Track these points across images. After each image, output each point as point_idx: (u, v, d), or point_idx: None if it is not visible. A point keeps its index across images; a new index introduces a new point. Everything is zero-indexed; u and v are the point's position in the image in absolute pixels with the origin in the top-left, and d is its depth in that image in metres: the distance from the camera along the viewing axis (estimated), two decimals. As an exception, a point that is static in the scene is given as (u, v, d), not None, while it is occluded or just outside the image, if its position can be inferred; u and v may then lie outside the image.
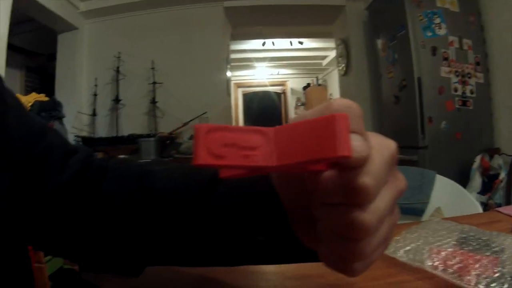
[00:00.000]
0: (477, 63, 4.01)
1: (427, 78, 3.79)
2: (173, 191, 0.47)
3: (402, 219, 1.28)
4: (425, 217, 1.87)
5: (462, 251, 0.62)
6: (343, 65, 5.45)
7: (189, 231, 0.45)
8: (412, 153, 3.83)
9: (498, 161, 3.72)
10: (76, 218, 0.48)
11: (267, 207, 0.41)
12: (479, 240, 0.66)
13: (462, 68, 3.94)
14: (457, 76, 3.91)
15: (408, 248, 0.65)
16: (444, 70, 3.85)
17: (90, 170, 0.51)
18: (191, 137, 4.27)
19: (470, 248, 0.63)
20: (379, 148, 0.32)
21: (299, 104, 10.67)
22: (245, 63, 8.81)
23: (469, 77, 3.96)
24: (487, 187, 3.62)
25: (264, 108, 13.22)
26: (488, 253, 0.61)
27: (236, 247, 0.44)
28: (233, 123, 9.03)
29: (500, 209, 1.16)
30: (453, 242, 0.66)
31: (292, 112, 10.67)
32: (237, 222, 0.43)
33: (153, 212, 0.46)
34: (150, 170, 0.51)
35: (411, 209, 1.92)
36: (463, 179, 3.73)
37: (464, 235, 0.69)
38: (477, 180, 3.66)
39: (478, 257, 0.59)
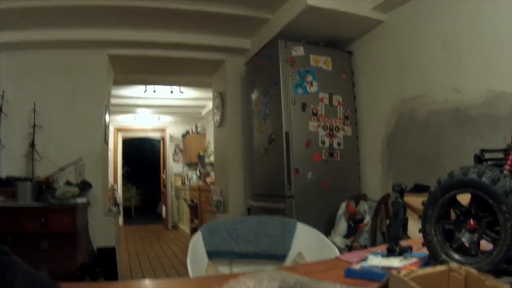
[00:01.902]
0: (346, 117, 4.37)
1: (295, 132, 4.02)
2: None
3: (265, 263, 1.40)
4: (288, 262, 2.00)
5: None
6: (218, 117, 5.59)
7: None
8: (279, 202, 3.98)
9: (363, 206, 4.01)
10: None
11: None
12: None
13: (331, 122, 4.25)
14: (325, 129, 4.20)
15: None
16: (312, 125, 4.11)
17: None
18: (67, 182, 4.16)
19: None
20: None
21: (177, 151, 10.67)
22: (126, 109, 8.71)
23: (337, 130, 4.28)
24: (352, 231, 3.87)
25: (144, 153, 13.07)
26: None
27: None
28: (111, 168, 8.80)
29: (340, 256, 1.31)
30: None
31: (171, 159, 10.62)
32: None
33: None
34: None
35: (274, 255, 2.04)
36: (329, 224, 3.97)
37: (282, 285, 0.79)
38: (342, 225, 3.89)
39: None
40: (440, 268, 0.72)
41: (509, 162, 1.01)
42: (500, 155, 1.05)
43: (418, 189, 3.20)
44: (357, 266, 1.06)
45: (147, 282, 1.00)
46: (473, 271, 0.66)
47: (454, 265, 0.72)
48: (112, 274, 4.30)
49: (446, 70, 3.37)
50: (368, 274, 1.01)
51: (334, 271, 1.09)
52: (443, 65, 3.40)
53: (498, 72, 2.92)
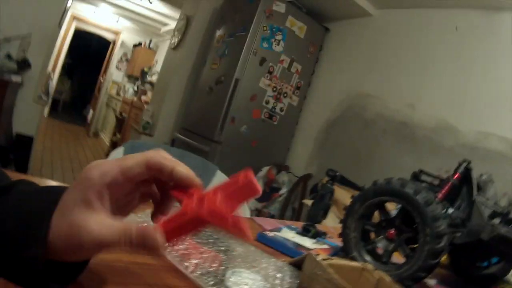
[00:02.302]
0: (298, 87, 4.37)
1: (245, 82, 3.97)
2: None
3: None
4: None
5: (192, 241, 0.68)
6: (177, 39, 5.42)
7: None
8: (206, 144, 3.97)
9: (283, 177, 4.06)
10: None
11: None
12: (211, 237, 0.73)
13: (282, 86, 4.23)
14: (274, 91, 4.18)
15: (145, 225, 0.69)
16: (263, 82, 4.08)
17: None
18: (7, 55, 3.86)
19: (199, 240, 0.70)
20: None
21: (123, 59, 10.31)
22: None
23: (285, 96, 4.28)
24: (266, 197, 3.91)
25: (90, 51, 12.54)
26: (213, 249, 0.68)
27: None
28: (54, 55, 8.37)
29: (255, 218, 1.29)
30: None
31: (115, 65, 10.25)
32: None
33: None
34: None
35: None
36: (246, 183, 3.98)
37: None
38: (258, 188, 3.91)
39: (202, 249, 0.66)
40: (355, 264, 0.71)
41: (443, 191, 1.02)
42: (435, 181, 1.07)
43: (342, 181, 3.25)
44: (270, 234, 1.04)
45: (53, 183, 0.91)
46: (387, 277, 0.65)
47: (369, 266, 0.70)
48: (23, 165, 4.13)
49: (410, 86, 3.43)
50: (279, 245, 0.99)
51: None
52: (409, 80, 3.46)
53: (455, 108, 3.03)
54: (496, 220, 0.98)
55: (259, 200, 3.89)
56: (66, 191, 0.45)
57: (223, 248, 0.70)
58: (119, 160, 0.46)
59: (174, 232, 0.44)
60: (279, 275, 0.67)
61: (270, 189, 3.99)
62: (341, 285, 0.54)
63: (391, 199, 0.96)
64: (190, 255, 0.64)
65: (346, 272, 0.57)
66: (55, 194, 0.45)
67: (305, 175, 3.98)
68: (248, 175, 0.43)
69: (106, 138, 9.19)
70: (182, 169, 0.48)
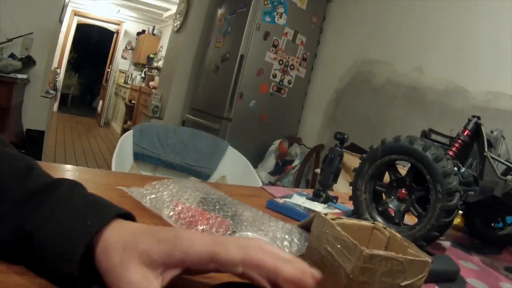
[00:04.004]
0: (304, 59, 4.35)
1: (250, 58, 3.97)
2: None
3: (187, 178, 1.31)
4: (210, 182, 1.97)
5: (198, 208, 0.68)
6: (179, 22, 5.40)
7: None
8: (216, 122, 3.99)
9: (296, 149, 4.06)
10: None
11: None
12: (218, 204, 0.73)
13: (288, 59, 4.22)
14: (281, 64, 4.17)
15: (153, 196, 0.70)
16: (269, 56, 4.07)
17: None
18: (11, 55, 3.90)
19: (206, 207, 0.70)
20: None
21: (128, 48, 10.31)
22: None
23: (292, 69, 4.27)
24: (279, 170, 3.92)
25: (95, 43, 12.54)
26: (219, 215, 0.68)
27: None
28: (58, 51, 8.37)
29: (266, 187, 1.28)
30: (195, 201, 0.72)
31: (120, 54, 10.25)
32: None
33: None
34: None
35: (198, 172, 2.00)
36: (259, 157, 4.01)
37: (205, 196, 0.75)
38: (271, 161, 3.95)
39: (209, 215, 0.66)
40: (365, 222, 0.70)
41: (453, 149, 1.00)
42: (446, 140, 1.06)
43: (353, 148, 3.24)
44: (280, 200, 1.03)
45: (68, 167, 0.92)
46: (398, 235, 0.64)
47: (379, 224, 0.69)
48: (36, 159, 4.14)
49: (417, 49, 3.37)
50: (289, 211, 0.98)
51: (256, 199, 1.06)
52: (416, 43, 3.40)
53: (464, 69, 2.97)
54: (509, 177, 0.95)
55: (272, 173, 3.90)
56: (141, 228, 0.43)
57: (230, 214, 0.70)
58: (214, 247, 0.40)
59: None
60: (287, 237, 0.66)
61: (283, 162, 3.99)
62: (350, 242, 0.53)
63: (400, 157, 0.94)
64: (197, 222, 0.64)
65: (356, 231, 0.56)
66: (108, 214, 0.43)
67: (317, 146, 3.97)
68: None
69: (117, 126, 9.24)
70: (288, 270, 0.40)
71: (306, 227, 0.72)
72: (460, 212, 1.13)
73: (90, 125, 9.95)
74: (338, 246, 0.55)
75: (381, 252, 0.51)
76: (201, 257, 0.39)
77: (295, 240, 0.67)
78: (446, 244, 1.05)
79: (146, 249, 0.39)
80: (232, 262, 0.39)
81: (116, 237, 0.41)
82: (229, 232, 0.64)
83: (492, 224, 1.14)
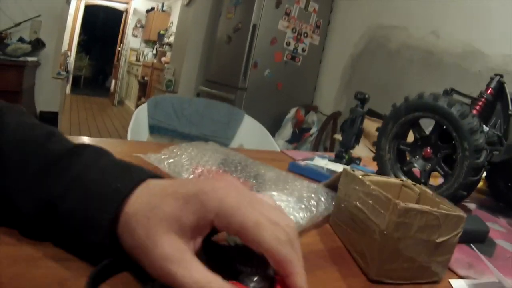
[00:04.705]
0: (317, 26, 4.29)
1: (263, 27, 3.91)
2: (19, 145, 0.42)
3: None
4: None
5: (219, 170, 0.66)
6: (189, -5, 5.36)
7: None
8: (231, 92, 3.97)
9: (312, 117, 4.04)
10: None
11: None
12: (239, 165, 0.70)
13: (301, 26, 4.15)
14: (294, 32, 4.12)
15: (171, 160, 0.67)
16: (282, 24, 4.01)
17: None
18: (19, 39, 3.85)
19: (227, 169, 0.67)
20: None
21: (138, 26, 10.26)
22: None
23: (305, 37, 4.22)
24: (297, 138, 3.91)
25: (104, 24, 12.50)
26: (241, 176, 0.65)
27: None
28: (68, 34, 8.35)
29: (286, 151, 1.26)
30: (216, 163, 0.69)
31: (130, 33, 10.21)
32: None
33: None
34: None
35: (215, 142, 1.98)
36: (275, 126, 4.00)
37: (226, 158, 0.73)
38: (288, 130, 3.94)
39: (231, 177, 0.63)
40: (393, 179, 0.67)
41: (477, 107, 0.97)
42: (467, 100, 1.02)
43: (371, 114, 3.19)
44: (302, 163, 1.00)
45: (84, 138, 0.90)
46: (429, 191, 0.61)
47: (408, 181, 0.66)
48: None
49: (433, 12, 3.29)
50: (312, 172, 0.95)
51: (277, 163, 1.03)
52: (431, 6, 3.31)
53: (482, 32, 2.89)
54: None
55: (290, 141, 3.89)
56: (163, 186, 0.39)
57: (252, 174, 0.67)
58: (249, 209, 0.35)
59: None
60: (314, 196, 0.64)
61: (300, 130, 3.98)
62: (383, 196, 0.50)
63: (424, 115, 0.91)
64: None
65: (385, 188, 0.53)
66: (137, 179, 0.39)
67: (334, 112, 3.94)
68: None
69: (131, 104, 9.26)
70: (301, 282, 0.35)
71: (332, 186, 0.69)
72: (484, 174, 1.10)
73: (104, 105, 9.97)
74: (370, 201, 0.53)
75: (416, 206, 0.48)
76: (236, 225, 0.35)
77: (322, 199, 0.65)
78: (472, 206, 1.02)
79: (174, 213, 0.35)
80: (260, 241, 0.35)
81: (137, 205, 0.37)
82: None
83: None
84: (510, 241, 0.80)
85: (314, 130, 3.93)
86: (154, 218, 0.35)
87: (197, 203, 0.35)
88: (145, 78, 7.93)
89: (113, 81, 10.62)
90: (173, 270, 0.33)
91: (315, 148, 3.80)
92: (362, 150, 2.60)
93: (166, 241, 0.34)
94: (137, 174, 0.40)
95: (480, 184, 1.19)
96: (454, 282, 0.54)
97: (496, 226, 0.90)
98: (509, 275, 0.61)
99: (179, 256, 0.33)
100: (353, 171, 0.61)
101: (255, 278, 0.34)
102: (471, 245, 0.67)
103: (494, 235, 0.79)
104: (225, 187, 0.37)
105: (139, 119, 1.80)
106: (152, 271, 0.34)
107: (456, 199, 0.83)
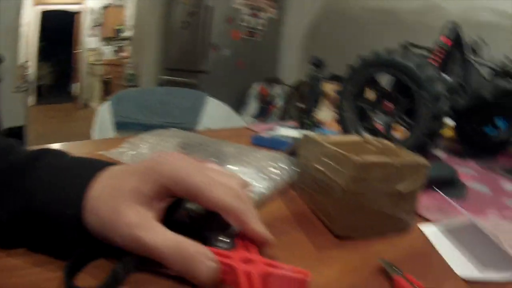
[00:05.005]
0: (274, 0, 4.26)
1: (218, 7, 3.87)
2: None
3: None
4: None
5: (179, 152, 0.65)
6: (141, -14, 5.28)
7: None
8: (192, 77, 3.95)
9: (277, 90, 4.04)
10: None
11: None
12: (200, 146, 0.69)
13: (256, 2, 4.12)
14: (251, 9, 4.09)
15: (132, 152, 0.66)
16: (236, 1, 3.98)
17: None
18: None
19: (187, 151, 0.67)
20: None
21: (96, 25, 10.05)
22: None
23: (262, 11, 4.19)
24: (263, 113, 3.92)
25: (61, 29, 12.22)
26: (201, 156, 0.65)
27: None
28: (24, 44, 8.13)
29: (250, 125, 1.25)
30: (176, 147, 0.69)
31: (87, 33, 10.00)
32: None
33: None
34: None
35: (181, 129, 1.96)
36: (241, 106, 3.99)
37: (185, 141, 0.72)
38: (253, 106, 3.95)
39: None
40: (354, 137, 0.67)
41: (436, 58, 1.00)
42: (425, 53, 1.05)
43: (335, 78, 3.21)
44: (265, 134, 1.00)
45: (51, 146, 0.88)
46: (390, 143, 0.61)
47: (367, 136, 0.66)
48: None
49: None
50: (276, 142, 0.94)
51: (241, 138, 1.03)
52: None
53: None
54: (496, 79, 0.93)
55: (256, 116, 3.90)
56: (121, 169, 0.41)
57: (213, 152, 0.67)
58: (199, 173, 0.39)
59: None
60: (275, 164, 0.64)
61: (266, 104, 3.98)
62: (340, 154, 0.50)
63: (380, 70, 0.92)
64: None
65: (346, 147, 0.53)
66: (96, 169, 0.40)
67: (298, 82, 3.95)
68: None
69: (96, 105, 9.11)
70: (258, 227, 0.39)
71: (294, 153, 0.69)
72: (452, 124, 1.12)
73: (69, 110, 9.77)
74: (329, 162, 0.52)
75: (374, 158, 0.48)
76: (188, 187, 0.38)
77: (285, 167, 0.65)
78: (442, 155, 1.04)
79: (134, 186, 0.37)
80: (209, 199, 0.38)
81: (101, 187, 0.38)
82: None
83: (483, 129, 1.12)
84: (482, 183, 0.82)
85: (279, 103, 3.94)
86: (116, 195, 0.37)
87: (154, 173, 0.38)
88: (107, 76, 7.84)
89: (76, 85, 10.45)
90: (142, 235, 0.35)
91: (281, 120, 3.82)
92: (328, 114, 2.61)
93: (130, 210, 0.36)
94: (97, 164, 0.42)
95: (450, 132, 1.21)
96: (424, 227, 0.55)
97: (467, 169, 0.93)
98: (481, 215, 0.62)
99: (145, 222, 0.36)
100: (314, 135, 0.61)
101: (219, 238, 0.38)
102: (440, 190, 0.68)
103: (466, 179, 0.81)
104: (178, 158, 0.40)
105: (104, 118, 1.77)
106: (122, 242, 0.36)
107: (422, 148, 0.84)
